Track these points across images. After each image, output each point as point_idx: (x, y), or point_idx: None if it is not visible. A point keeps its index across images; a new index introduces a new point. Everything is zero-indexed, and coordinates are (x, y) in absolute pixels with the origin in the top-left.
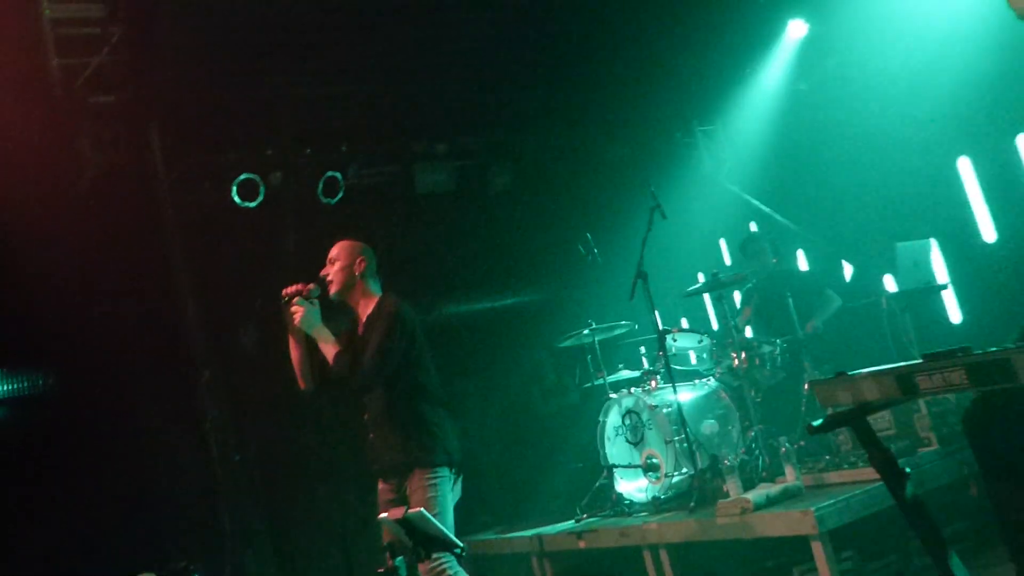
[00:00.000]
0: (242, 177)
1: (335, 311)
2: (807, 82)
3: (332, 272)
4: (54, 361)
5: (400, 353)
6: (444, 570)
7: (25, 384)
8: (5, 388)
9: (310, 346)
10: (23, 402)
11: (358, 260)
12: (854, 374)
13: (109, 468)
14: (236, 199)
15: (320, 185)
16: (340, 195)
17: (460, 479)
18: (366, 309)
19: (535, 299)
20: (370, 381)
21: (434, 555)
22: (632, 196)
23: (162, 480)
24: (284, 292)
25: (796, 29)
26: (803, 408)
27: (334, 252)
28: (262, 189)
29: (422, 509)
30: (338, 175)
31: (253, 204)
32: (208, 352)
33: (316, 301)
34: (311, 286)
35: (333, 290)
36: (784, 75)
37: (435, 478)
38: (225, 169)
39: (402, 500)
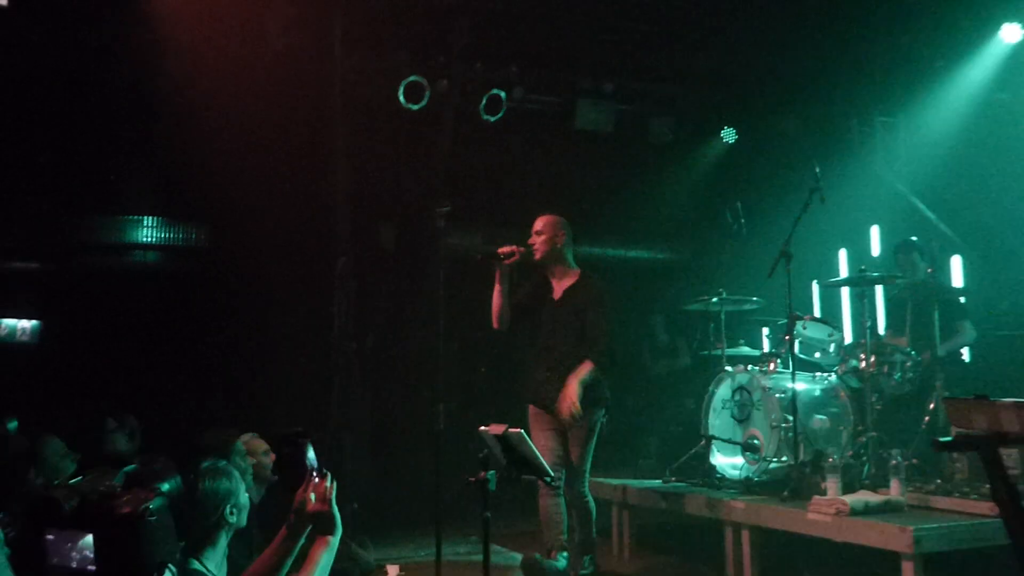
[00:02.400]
0: (411, 79)
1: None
2: (1009, 92)
3: (538, 242)
4: (210, 218)
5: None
6: (587, 502)
7: (181, 235)
8: (163, 235)
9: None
10: (176, 251)
11: (559, 234)
12: (996, 400)
13: (240, 325)
14: (401, 99)
15: (483, 101)
16: (501, 114)
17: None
18: (563, 277)
19: (666, 257)
20: (606, 364)
21: (580, 490)
22: (791, 173)
23: (284, 348)
24: (500, 251)
25: (1010, 34)
26: (923, 426)
27: (540, 225)
28: (427, 94)
29: (522, 431)
30: (502, 94)
31: (416, 107)
32: (347, 240)
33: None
34: (522, 249)
35: (537, 257)
36: (985, 80)
37: (596, 420)
38: (396, 68)
39: (559, 431)
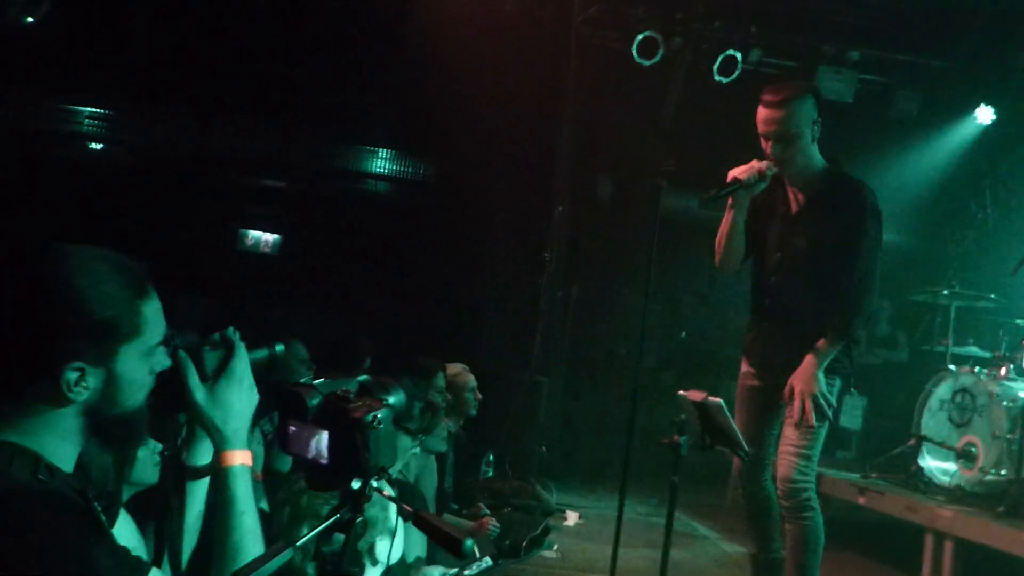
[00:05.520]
0: (646, 34)
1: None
2: None
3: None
4: (438, 156)
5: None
6: (806, 497)
7: (410, 168)
8: (394, 168)
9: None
10: (405, 183)
11: (814, 121)
12: None
13: (456, 261)
14: (634, 54)
15: (718, 61)
16: (735, 76)
17: None
18: (804, 174)
19: (896, 240)
20: (857, 335)
21: (797, 476)
22: None
23: (495, 287)
24: (738, 177)
25: None
26: None
27: (784, 112)
28: (660, 51)
29: (721, 401)
30: (738, 56)
31: (648, 63)
32: (566, 190)
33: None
34: (765, 166)
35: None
36: None
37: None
38: (633, 22)
39: (768, 397)
